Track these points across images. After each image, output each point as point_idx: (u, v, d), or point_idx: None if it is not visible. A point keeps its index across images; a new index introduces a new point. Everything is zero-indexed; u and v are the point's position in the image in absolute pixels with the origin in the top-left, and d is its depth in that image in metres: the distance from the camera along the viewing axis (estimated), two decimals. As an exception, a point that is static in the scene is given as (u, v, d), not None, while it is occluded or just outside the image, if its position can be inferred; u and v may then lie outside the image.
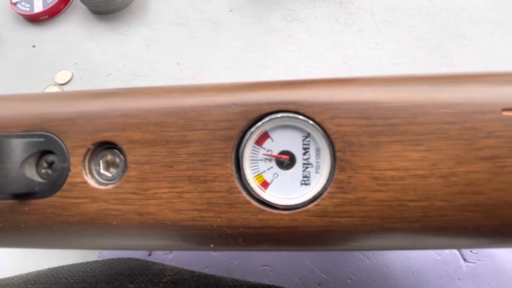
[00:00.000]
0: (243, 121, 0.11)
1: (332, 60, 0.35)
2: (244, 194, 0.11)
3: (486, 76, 0.11)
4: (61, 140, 0.11)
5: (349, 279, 0.22)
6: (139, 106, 0.11)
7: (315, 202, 0.10)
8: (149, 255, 0.24)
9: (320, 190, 0.10)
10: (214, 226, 0.11)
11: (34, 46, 0.42)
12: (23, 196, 0.11)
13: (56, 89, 0.39)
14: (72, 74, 0.40)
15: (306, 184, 0.11)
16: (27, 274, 0.21)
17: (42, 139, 0.11)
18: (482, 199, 0.10)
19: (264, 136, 0.11)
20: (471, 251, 0.22)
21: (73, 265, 0.22)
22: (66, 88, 0.39)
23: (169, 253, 0.23)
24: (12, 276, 0.20)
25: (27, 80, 0.41)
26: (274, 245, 0.11)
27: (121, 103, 0.11)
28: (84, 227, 0.11)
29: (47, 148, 0.11)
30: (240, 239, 0.11)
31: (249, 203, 0.11)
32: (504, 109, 0.10)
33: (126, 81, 0.39)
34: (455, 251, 0.22)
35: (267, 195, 0.11)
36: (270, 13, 0.39)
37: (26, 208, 0.11)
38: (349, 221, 0.10)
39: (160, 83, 0.37)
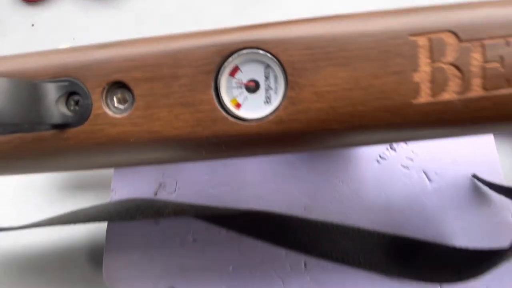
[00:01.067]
0: (219, 58, 0.14)
1: None
2: (223, 112, 0.15)
3: (399, 11, 0.14)
4: (82, 82, 0.15)
5: (330, 202, 0.26)
6: (138, 51, 0.15)
7: (274, 114, 0.14)
8: (155, 195, 0.28)
9: (278, 105, 0.14)
10: (203, 137, 0.15)
11: (33, 25, 0.45)
12: (61, 126, 0.15)
13: None
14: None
15: (268, 103, 0.15)
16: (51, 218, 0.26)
17: (67, 83, 0.15)
18: (391, 103, 0.14)
19: (235, 69, 0.15)
20: (436, 173, 0.26)
21: (89, 206, 0.27)
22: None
23: (173, 192, 0.28)
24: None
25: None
26: (247, 149, 0.15)
27: (124, 51, 0.15)
28: (110, 146, 0.15)
29: (72, 90, 0.15)
30: (223, 146, 0.15)
31: (227, 118, 0.15)
32: (410, 35, 0.14)
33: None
34: (423, 175, 0.27)
35: (240, 112, 0.15)
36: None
37: (65, 136, 0.15)
38: (298, 126, 0.14)
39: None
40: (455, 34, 0.13)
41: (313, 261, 0.25)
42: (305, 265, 0.26)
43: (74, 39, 0.43)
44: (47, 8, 0.45)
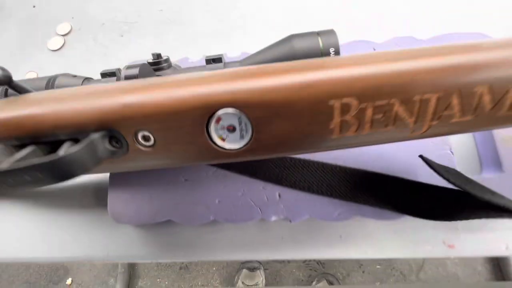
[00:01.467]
0: (208, 114, 0.22)
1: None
2: (213, 145, 0.23)
3: (321, 82, 0.21)
4: (118, 131, 0.23)
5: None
6: (154, 110, 0.22)
7: (247, 145, 0.23)
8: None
9: (248, 140, 0.23)
10: (206, 160, 0.24)
11: (34, 6, 0.47)
12: (113, 154, 0.24)
13: (59, 39, 0.47)
14: (71, 26, 0.47)
15: (242, 138, 0.23)
16: None
17: (109, 132, 0.23)
18: (316, 139, 0.22)
19: (218, 119, 0.22)
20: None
21: None
22: (69, 38, 0.47)
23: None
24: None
25: (34, 33, 0.48)
26: (230, 164, 0.24)
27: (144, 108, 0.22)
28: (145, 160, 0.24)
29: (112, 134, 0.23)
30: (216, 163, 0.24)
31: (217, 149, 0.23)
32: (329, 99, 0.21)
33: (118, 28, 0.46)
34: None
35: (225, 144, 0.23)
36: None
37: (119, 159, 0.24)
38: (260, 152, 0.23)
39: (146, 27, 0.44)
40: (358, 99, 0.21)
41: (285, 192, 0.31)
42: (279, 195, 0.32)
43: (72, 17, 0.46)
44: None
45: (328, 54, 0.25)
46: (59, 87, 0.28)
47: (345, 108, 0.21)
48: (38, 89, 0.27)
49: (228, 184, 0.32)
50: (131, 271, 1.20)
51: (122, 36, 0.45)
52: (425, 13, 0.40)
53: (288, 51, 0.26)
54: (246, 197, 0.32)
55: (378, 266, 1.12)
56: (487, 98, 0.20)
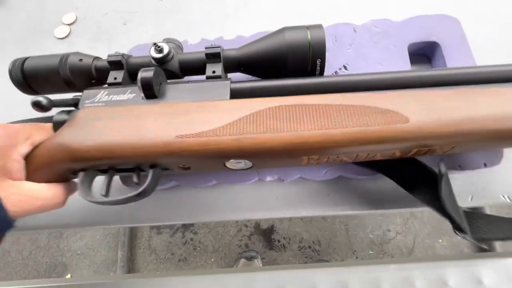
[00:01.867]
0: (225, 160, 0.27)
1: None
2: (226, 168, 0.27)
3: (297, 142, 0.25)
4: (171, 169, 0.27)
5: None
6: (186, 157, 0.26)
7: (249, 169, 0.27)
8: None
9: (249, 167, 0.27)
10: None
11: (39, -3, 0.50)
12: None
13: (65, 28, 0.50)
14: (76, 16, 0.50)
15: (245, 165, 0.27)
16: None
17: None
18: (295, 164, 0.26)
19: (232, 161, 0.27)
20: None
21: None
22: (74, 27, 0.50)
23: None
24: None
25: (42, 23, 0.51)
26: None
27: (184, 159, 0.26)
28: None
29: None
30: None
31: (228, 168, 0.27)
32: (301, 155, 0.25)
33: (121, 17, 0.49)
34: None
35: (234, 166, 0.27)
36: None
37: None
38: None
39: (146, 16, 0.48)
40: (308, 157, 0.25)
41: None
42: None
43: (77, 8, 0.50)
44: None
45: (314, 45, 0.28)
46: (71, 64, 0.31)
47: (310, 160, 0.26)
48: (51, 65, 0.31)
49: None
50: (130, 265, 1.22)
51: (125, 24, 0.48)
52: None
53: (280, 42, 0.29)
54: (244, 160, 0.36)
55: (371, 252, 1.16)
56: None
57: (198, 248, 1.21)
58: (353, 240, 1.16)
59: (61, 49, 0.47)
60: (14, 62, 0.31)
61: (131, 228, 1.25)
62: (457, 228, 0.26)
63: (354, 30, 0.41)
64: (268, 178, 0.36)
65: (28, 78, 0.31)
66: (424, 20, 0.40)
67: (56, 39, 0.48)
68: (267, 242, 1.19)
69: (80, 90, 0.31)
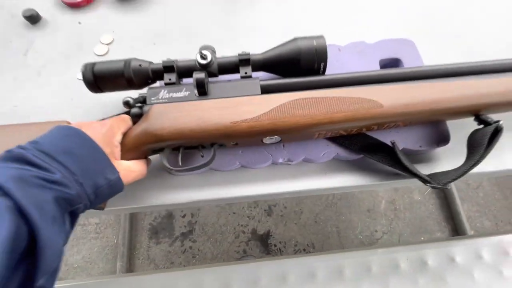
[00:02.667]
0: (263, 136, 0.37)
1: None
2: (262, 143, 0.38)
3: None
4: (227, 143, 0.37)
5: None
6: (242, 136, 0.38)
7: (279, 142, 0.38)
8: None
9: (278, 141, 0.37)
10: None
11: (80, 23, 0.60)
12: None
13: (104, 47, 0.59)
14: (113, 37, 0.60)
15: (276, 139, 0.38)
16: None
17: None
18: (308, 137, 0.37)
19: (267, 137, 0.37)
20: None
21: None
22: (111, 46, 0.59)
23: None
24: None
25: (81, 43, 0.60)
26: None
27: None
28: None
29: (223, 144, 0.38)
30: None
31: (264, 143, 0.38)
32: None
33: (150, 39, 0.60)
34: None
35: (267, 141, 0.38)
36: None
37: None
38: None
39: (173, 37, 0.59)
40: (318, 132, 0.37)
41: (287, 144, 0.45)
42: (283, 146, 0.45)
43: (113, 31, 0.60)
44: (89, 10, 0.60)
45: (319, 50, 0.40)
46: (133, 68, 0.40)
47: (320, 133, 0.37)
48: (117, 68, 0.40)
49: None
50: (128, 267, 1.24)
51: (154, 44, 0.59)
52: (372, 24, 0.59)
53: (294, 47, 0.40)
54: (261, 148, 0.46)
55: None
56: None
57: (197, 256, 1.25)
58: (344, 241, 1.25)
59: (99, 64, 0.57)
60: (85, 66, 0.41)
61: (130, 239, 1.28)
62: (425, 181, 0.37)
63: (339, 50, 0.53)
64: (280, 160, 0.46)
65: (97, 78, 0.40)
66: (390, 42, 0.53)
67: (96, 56, 0.57)
68: (264, 247, 1.25)
69: (137, 89, 0.41)
